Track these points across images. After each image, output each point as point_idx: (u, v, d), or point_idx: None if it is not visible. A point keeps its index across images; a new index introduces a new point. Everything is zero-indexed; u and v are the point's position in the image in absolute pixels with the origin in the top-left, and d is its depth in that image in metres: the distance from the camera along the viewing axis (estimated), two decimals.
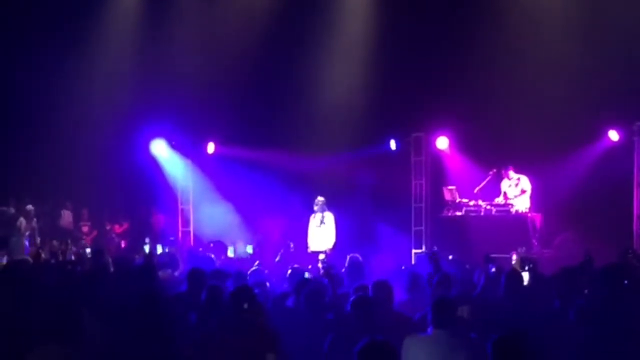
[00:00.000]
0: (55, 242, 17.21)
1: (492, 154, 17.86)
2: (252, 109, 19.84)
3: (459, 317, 7.17)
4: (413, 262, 17.45)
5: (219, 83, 19.09)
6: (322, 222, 17.12)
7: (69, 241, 18.30)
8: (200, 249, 17.92)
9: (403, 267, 12.83)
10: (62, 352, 6.00)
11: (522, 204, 16.95)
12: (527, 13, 17.87)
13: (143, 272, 9.86)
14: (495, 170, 17.28)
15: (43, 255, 15.02)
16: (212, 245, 17.88)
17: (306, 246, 17.22)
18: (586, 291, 8.26)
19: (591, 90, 16.56)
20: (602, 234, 15.72)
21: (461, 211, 17.23)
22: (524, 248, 15.22)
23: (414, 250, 18.82)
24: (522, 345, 5.62)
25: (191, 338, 6.82)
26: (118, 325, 7.08)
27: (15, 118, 19.73)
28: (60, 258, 14.39)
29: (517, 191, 17.11)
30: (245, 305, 6.88)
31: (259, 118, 19.81)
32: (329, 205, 17.33)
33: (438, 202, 18.34)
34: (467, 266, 10.75)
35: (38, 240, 18.61)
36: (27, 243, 18.18)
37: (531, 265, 10.85)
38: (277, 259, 15.44)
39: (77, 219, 20.33)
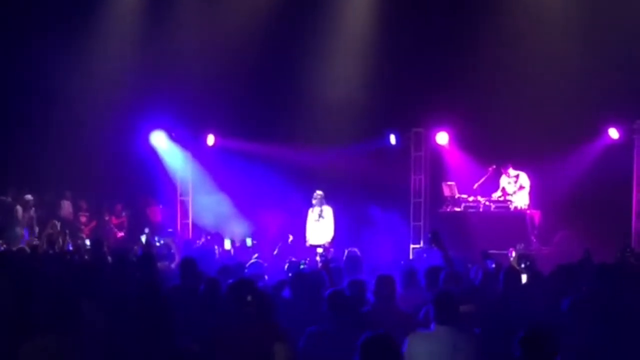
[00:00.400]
0: (51, 230, 17.16)
1: (491, 150, 17.87)
2: (252, 102, 19.81)
3: (462, 313, 7.18)
4: (411, 257, 17.49)
5: (220, 75, 19.06)
6: (320, 216, 17.13)
7: (67, 231, 18.32)
8: (199, 242, 17.96)
9: (402, 262, 12.78)
10: (60, 342, 5.99)
11: (521, 200, 16.95)
12: (528, 11, 17.86)
13: (142, 263, 9.87)
14: (494, 166, 17.29)
15: (41, 245, 15.04)
16: (209, 237, 17.89)
17: (304, 240, 17.23)
18: (584, 288, 8.24)
19: (591, 88, 16.57)
20: (601, 231, 15.75)
21: (460, 207, 17.24)
22: (522, 245, 15.27)
23: (412, 246, 18.84)
24: (549, 339, 5.68)
25: (194, 331, 6.82)
26: (118, 316, 7.09)
27: (16, 109, 19.69)
28: (59, 248, 14.37)
29: (516, 188, 17.13)
30: (249, 298, 6.89)
31: (259, 111, 19.79)
32: (328, 199, 17.34)
33: (437, 197, 18.37)
34: (469, 265, 10.71)
35: (36, 229, 18.58)
36: (26, 233, 18.15)
37: (528, 263, 10.85)
38: (275, 252, 15.46)
39: (76, 209, 20.31)
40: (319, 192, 17.26)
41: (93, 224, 20.19)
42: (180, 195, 20.86)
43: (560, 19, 17.50)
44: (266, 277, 10.43)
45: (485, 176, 17.36)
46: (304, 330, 7.07)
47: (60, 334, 6.01)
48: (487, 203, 17.09)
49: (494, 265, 10.53)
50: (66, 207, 19.99)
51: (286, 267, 10.81)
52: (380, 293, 7.83)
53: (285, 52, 19.42)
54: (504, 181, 17.33)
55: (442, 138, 19.18)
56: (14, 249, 14.19)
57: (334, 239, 17.01)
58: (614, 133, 17.70)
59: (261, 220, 19.78)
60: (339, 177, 19.24)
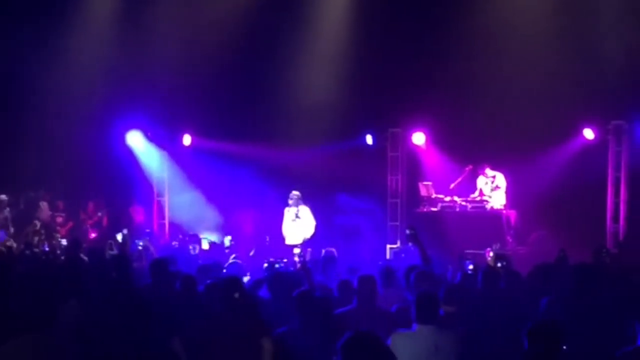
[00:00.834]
0: (31, 230, 17.08)
1: (468, 151, 17.93)
2: (229, 102, 19.75)
3: (445, 312, 7.22)
4: (388, 257, 17.51)
5: (196, 75, 19.00)
6: (297, 216, 17.12)
7: (43, 232, 18.19)
8: (175, 243, 17.91)
9: (380, 262, 12.81)
10: (36, 341, 5.95)
11: (497, 200, 17.03)
12: (504, 11, 17.90)
13: (117, 263, 9.84)
14: (471, 166, 17.36)
15: (16, 246, 14.95)
16: (187, 238, 17.84)
17: (282, 239, 17.20)
18: (562, 288, 8.28)
19: (567, 89, 16.67)
20: (576, 231, 15.88)
21: (437, 207, 17.28)
22: (498, 244, 15.32)
23: (389, 246, 18.85)
24: (554, 332, 5.88)
25: (175, 329, 6.83)
26: (94, 315, 7.07)
27: None
28: (35, 249, 14.30)
29: (492, 187, 17.20)
30: (237, 295, 6.94)
31: (236, 111, 19.72)
32: (305, 199, 17.33)
33: (414, 197, 18.40)
34: (450, 266, 10.75)
35: (12, 230, 18.42)
36: (1, 233, 17.95)
37: (505, 263, 10.89)
38: (251, 253, 15.43)
39: (53, 209, 20.16)
40: (295, 193, 17.25)
41: (70, 224, 20.05)
42: (157, 196, 20.76)
43: (535, 19, 17.55)
44: (245, 277, 10.42)
45: (462, 176, 17.42)
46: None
47: (36, 333, 5.96)
48: (463, 203, 17.15)
49: (471, 267, 10.58)
50: (45, 208, 19.80)
51: (265, 266, 10.81)
52: (361, 293, 7.84)
53: (261, 52, 19.37)
54: (481, 182, 17.39)
55: (419, 138, 19.22)
56: None
57: (313, 237, 16.99)
58: (589, 134, 17.82)
59: (238, 220, 19.74)
60: (316, 177, 19.21)
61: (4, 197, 18.79)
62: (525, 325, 6.00)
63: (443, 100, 17.97)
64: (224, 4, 19.25)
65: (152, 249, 14.60)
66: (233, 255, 13.63)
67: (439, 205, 17.28)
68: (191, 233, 18.43)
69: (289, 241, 17.00)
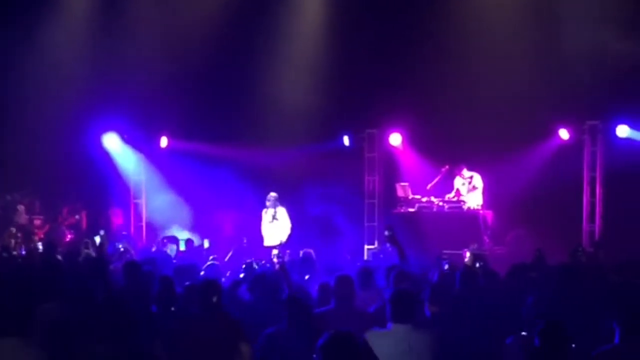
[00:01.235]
0: (9, 239, 16.99)
1: (444, 151, 17.98)
2: (206, 104, 19.71)
3: (431, 312, 7.24)
4: (365, 257, 17.53)
5: (173, 77, 18.93)
6: (274, 217, 17.13)
7: (19, 235, 18.08)
8: (153, 245, 17.84)
9: (358, 263, 12.84)
10: (13, 344, 5.93)
11: (474, 200, 17.09)
12: (480, 12, 17.97)
13: (93, 265, 9.81)
14: (447, 166, 17.39)
15: None
16: (165, 240, 17.77)
17: (259, 241, 17.19)
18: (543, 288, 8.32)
19: (542, 89, 16.77)
20: (553, 231, 15.96)
21: (414, 207, 17.31)
22: (475, 244, 15.39)
23: (366, 246, 18.90)
24: (565, 331, 5.98)
25: (155, 331, 6.82)
26: (71, 317, 7.04)
27: None
28: (12, 252, 14.23)
29: (469, 188, 17.26)
30: (215, 299, 6.94)
31: (213, 112, 19.68)
32: (282, 200, 17.35)
33: (391, 198, 18.42)
34: (431, 267, 10.78)
35: None
36: None
37: (482, 263, 10.94)
38: (227, 257, 15.40)
39: (30, 212, 20.04)
40: (272, 194, 17.27)
41: (47, 227, 19.93)
42: (134, 198, 20.68)
43: (509, 20, 17.61)
44: (223, 279, 10.42)
45: (439, 177, 17.45)
46: (262, 330, 7.08)
47: (13, 337, 5.94)
48: (440, 203, 17.19)
49: (447, 267, 10.63)
50: (21, 211, 19.66)
51: (243, 267, 10.81)
52: (339, 293, 7.84)
53: (238, 54, 19.35)
54: (458, 182, 17.45)
55: (396, 139, 19.27)
56: None
57: (289, 238, 17.01)
58: (564, 134, 17.93)
59: (216, 221, 19.72)
60: (293, 179, 19.23)
61: None
62: (503, 324, 6.04)
63: (419, 101, 18.02)
64: (201, 5, 19.21)
65: (131, 251, 14.54)
66: (211, 257, 13.61)
67: (416, 205, 17.31)
68: (169, 235, 18.37)
69: (267, 242, 17.01)
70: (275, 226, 17.10)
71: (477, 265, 10.81)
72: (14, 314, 6.04)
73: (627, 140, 17.40)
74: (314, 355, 5.03)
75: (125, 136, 20.21)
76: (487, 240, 16.76)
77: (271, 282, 8.30)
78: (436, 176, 17.50)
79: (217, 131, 19.42)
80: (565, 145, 18.00)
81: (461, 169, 17.33)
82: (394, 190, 17.90)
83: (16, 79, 18.65)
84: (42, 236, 18.87)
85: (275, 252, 14.90)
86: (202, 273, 10.40)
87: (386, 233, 9.81)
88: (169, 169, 20.12)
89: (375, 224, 19.28)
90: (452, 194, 17.40)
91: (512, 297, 7.98)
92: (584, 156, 17.90)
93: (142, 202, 20.69)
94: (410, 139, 19.23)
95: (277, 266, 10.46)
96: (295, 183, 19.18)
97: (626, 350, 6.23)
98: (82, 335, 6.43)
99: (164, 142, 20.36)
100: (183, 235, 18.24)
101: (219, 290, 7.10)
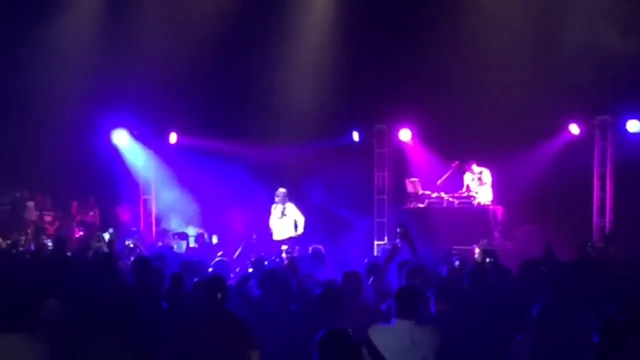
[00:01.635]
0: (16, 233, 17.03)
1: (454, 146, 17.93)
2: (215, 100, 19.70)
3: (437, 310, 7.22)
4: (375, 253, 17.51)
5: (182, 73, 18.91)
6: (283, 214, 17.08)
7: (29, 231, 18.12)
8: (161, 243, 17.87)
9: (366, 260, 12.80)
10: (18, 340, 5.95)
11: (484, 196, 17.05)
12: (488, 8, 17.93)
13: (102, 261, 9.80)
14: (457, 162, 17.36)
15: (3, 245, 14.89)
16: (175, 236, 17.81)
17: (269, 237, 17.17)
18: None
19: (553, 84, 16.70)
20: (563, 226, 15.86)
21: (423, 203, 17.28)
22: (485, 240, 15.34)
23: (376, 242, 18.88)
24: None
25: (162, 327, 6.80)
26: (78, 313, 7.04)
27: None
28: (22, 248, 14.26)
29: (478, 184, 17.22)
30: (219, 296, 6.89)
31: (222, 109, 19.69)
32: (291, 196, 17.30)
33: (401, 194, 18.39)
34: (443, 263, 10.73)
35: None
36: None
37: (492, 258, 10.89)
38: (236, 255, 15.39)
39: (41, 207, 20.08)
40: (281, 190, 17.22)
41: (57, 223, 19.97)
42: (143, 194, 20.70)
43: (519, 15, 17.57)
44: (232, 275, 10.41)
45: (449, 172, 17.42)
46: (272, 329, 7.06)
47: (18, 333, 5.96)
48: (450, 199, 17.15)
49: (457, 263, 10.58)
50: (31, 207, 19.69)
51: (250, 262, 10.79)
52: (347, 288, 7.83)
53: (247, 50, 19.33)
54: (467, 178, 17.41)
55: (405, 134, 19.23)
56: None
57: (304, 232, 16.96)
58: (574, 129, 17.87)
59: (226, 217, 19.70)
60: (303, 175, 19.22)
61: None
62: (513, 321, 6.00)
63: (429, 96, 17.96)
64: (211, 2, 19.20)
65: (141, 247, 14.55)
66: (220, 253, 13.61)
67: (426, 201, 17.28)
68: (178, 231, 18.39)
69: (276, 237, 16.99)
70: (284, 222, 17.06)
71: (487, 260, 10.76)
72: (21, 311, 6.06)
73: (638, 135, 17.31)
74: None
75: (135, 132, 20.22)
76: (498, 236, 16.71)
77: (280, 277, 8.27)
78: (446, 172, 17.47)
79: (226, 127, 19.41)
80: (575, 140, 17.94)
81: (471, 164, 17.29)
82: (404, 186, 17.88)
83: (25, 77, 18.68)
84: (52, 232, 18.89)
85: (284, 247, 14.93)
86: (210, 269, 10.36)
87: (398, 230, 9.76)
88: (178, 165, 20.11)
89: (385, 219, 19.26)
90: (463, 189, 17.36)
91: (522, 293, 7.94)
92: (594, 151, 17.82)
93: (152, 198, 20.70)
94: (420, 135, 19.20)
95: (286, 262, 10.45)
96: (304, 179, 19.17)
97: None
98: (86, 332, 6.43)
99: (173, 138, 20.36)
100: (189, 231, 18.24)
101: (224, 287, 7.04)
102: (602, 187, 17.75)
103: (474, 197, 17.01)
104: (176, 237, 17.45)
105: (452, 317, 7.30)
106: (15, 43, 18.46)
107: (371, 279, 8.94)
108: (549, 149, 18.04)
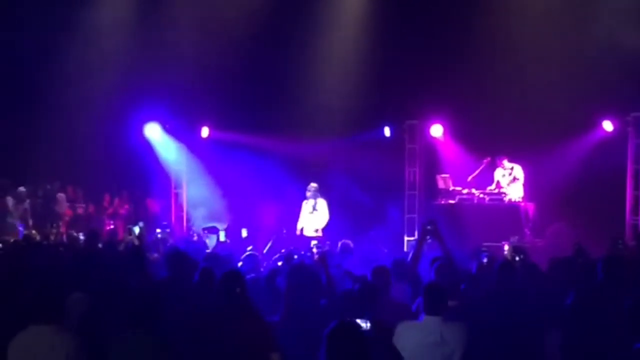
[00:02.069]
0: (48, 226, 17.17)
1: (485, 143, 17.87)
2: (247, 94, 19.77)
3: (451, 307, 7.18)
4: (405, 249, 17.47)
5: (215, 67, 18.99)
6: (314, 208, 17.09)
7: (60, 224, 18.26)
8: (194, 235, 17.94)
9: (395, 256, 12.77)
10: (48, 331, 6.02)
11: (515, 192, 16.97)
12: (522, 4, 17.83)
13: (133, 255, 9.84)
14: (489, 158, 17.29)
15: (36, 238, 15.00)
16: (205, 230, 17.87)
17: (300, 231, 17.18)
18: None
19: (586, 81, 16.54)
20: (595, 224, 15.75)
21: (454, 199, 17.22)
22: (516, 237, 15.27)
23: (406, 238, 18.84)
24: None
25: (185, 322, 6.80)
26: (106, 307, 7.09)
27: (7, 99, 19.53)
28: (53, 240, 14.36)
29: (509, 180, 17.14)
30: (238, 290, 6.85)
31: (254, 103, 19.74)
32: (322, 191, 17.31)
33: (431, 190, 18.37)
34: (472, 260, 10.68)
35: (30, 222, 18.48)
36: (20, 226, 17.99)
37: (522, 256, 10.82)
38: (265, 250, 15.41)
39: (73, 199, 20.24)
40: (313, 185, 17.23)
41: (89, 216, 20.12)
42: (175, 188, 20.79)
43: (556, 9, 17.45)
44: (262, 269, 10.42)
45: (480, 168, 17.36)
46: (302, 323, 7.06)
47: (43, 325, 6.04)
48: (481, 195, 17.09)
49: (485, 260, 10.53)
50: (61, 200, 19.85)
51: (279, 255, 10.81)
52: (376, 284, 7.82)
53: (279, 44, 19.35)
54: (498, 174, 17.33)
55: (437, 130, 19.18)
56: (7, 240, 14.19)
57: (324, 230, 16.98)
58: (608, 125, 17.75)
59: (256, 211, 19.74)
60: (334, 170, 19.24)
61: (22, 189, 18.87)
62: (543, 318, 5.97)
63: (461, 92, 17.90)
64: None
65: (170, 240, 14.63)
66: (250, 247, 13.63)
67: (457, 197, 17.23)
68: (209, 225, 18.44)
69: (306, 233, 17.01)
70: (315, 217, 17.08)
71: (517, 258, 10.69)
72: (51, 303, 6.13)
73: None
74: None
75: (167, 126, 20.30)
76: (528, 233, 16.63)
77: (310, 272, 8.26)
78: (477, 168, 17.41)
79: (258, 122, 19.46)
80: (608, 137, 17.82)
81: (502, 160, 17.22)
82: (435, 182, 17.84)
83: (59, 70, 18.83)
84: (84, 225, 19.02)
85: (314, 242, 14.94)
86: (240, 264, 10.38)
87: (428, 227, 9.72)
88: (210, 159, 20.18)
89: (416, 215, 19.21)
90: (493, 185, 17.28)
91: (551, 290, 7.90)
92: (628, 148, 17.67)
93: (183, 192, 20.79)
94: (451, 131, 19.14)
95: (316, 257, 10.44)
96: (336, 174, 19.18)
97: None
98: (112, 325, 6.47)
99: (205, 132, 20.44)
100: (218, 226, 18.30)
101: (243, 281, 6.98)
102: (635, 185, 17.59)
103: (505, 193, 16.93)
104: (206, 231, 17.47)
105: (480, 312, 7.29)
106: (52, 37, 18.61)
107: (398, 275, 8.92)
108: (582, 145, 17.94)
